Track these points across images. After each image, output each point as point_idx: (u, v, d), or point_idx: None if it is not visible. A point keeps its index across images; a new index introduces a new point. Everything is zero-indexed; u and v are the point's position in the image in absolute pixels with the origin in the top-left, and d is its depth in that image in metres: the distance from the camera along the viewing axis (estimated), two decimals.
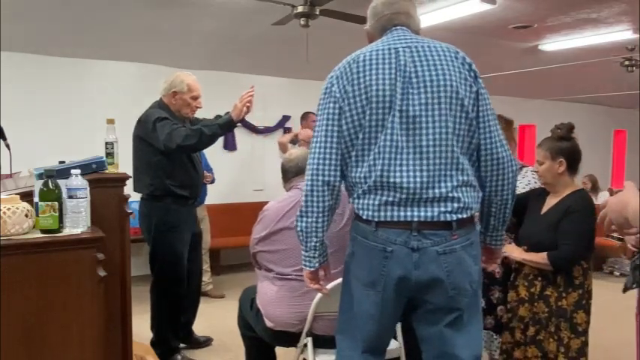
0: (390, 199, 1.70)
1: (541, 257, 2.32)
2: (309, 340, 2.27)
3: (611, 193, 6.86)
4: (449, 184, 1.69)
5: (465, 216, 1.71)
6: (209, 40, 5.29)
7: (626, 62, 6.12)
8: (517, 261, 2.49)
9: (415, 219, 1.69)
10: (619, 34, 5.36)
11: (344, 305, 1.90)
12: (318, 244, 1.82)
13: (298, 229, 1.82)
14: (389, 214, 1.70)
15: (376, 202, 1.71)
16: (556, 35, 5.57)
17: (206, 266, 4.88)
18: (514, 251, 2.47)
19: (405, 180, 1.68)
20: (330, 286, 2.04)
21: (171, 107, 3.15)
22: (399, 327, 2.31)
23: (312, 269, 1.87)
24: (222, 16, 4.74)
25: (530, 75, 6.72)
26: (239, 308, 2.66)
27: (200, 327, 3.69)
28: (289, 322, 2.31)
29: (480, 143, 1.76)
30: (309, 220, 1.78)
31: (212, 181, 4.70)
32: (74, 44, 5.01)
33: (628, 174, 9.98)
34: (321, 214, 1.77)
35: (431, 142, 1.69)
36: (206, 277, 4.80)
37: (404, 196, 1.69)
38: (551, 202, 2.42)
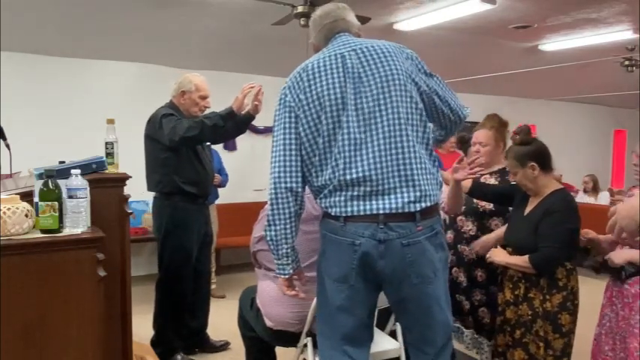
0: (355, 193, 1.77)
1: (523, 260, 2.29)
2: (309, 340, 2.27)
3: (612, 193, 6.87)
4: (408, 172, 1.77)
5: (427, 204, 1.77)
6: (209, 40, 5.29)
7: (626, 62, 6.12)
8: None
9: (381, 211, 1.75)
10: (619, 34, 5.35)
11: (320, 305, 1.96)
12: (289, 251, 1.88)
13: (268, 238, 1.88)
14: (355, 208, 1.77)
15: (342, 198, 1.78)
16: (556, 35, 5.57)
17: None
18: (498, 255, 2.42)
19: (367, 174, 1.76)
20: None
21: (181, 107, 3.22)
22: (399, 327, 2.31)
23: (286, 276, 1.93)
24: (222, 16, 4.74)
25: (530, 75, 6.72)
26: (239, 308, 2.66)
27: None
28: (289, 321, 2.31)
29: (450, 119, 1.97)
30: (278, 227, 1.84)
31: (220, 185, 4.59)
32: (74, 44, 5.01)
33: (628, 174, 9.97)
34: (288, 221, 1.83)
35: (387, 134, 1.77)
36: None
37: (368, 188, 1.76)
38: (533, 203, 2.40)
